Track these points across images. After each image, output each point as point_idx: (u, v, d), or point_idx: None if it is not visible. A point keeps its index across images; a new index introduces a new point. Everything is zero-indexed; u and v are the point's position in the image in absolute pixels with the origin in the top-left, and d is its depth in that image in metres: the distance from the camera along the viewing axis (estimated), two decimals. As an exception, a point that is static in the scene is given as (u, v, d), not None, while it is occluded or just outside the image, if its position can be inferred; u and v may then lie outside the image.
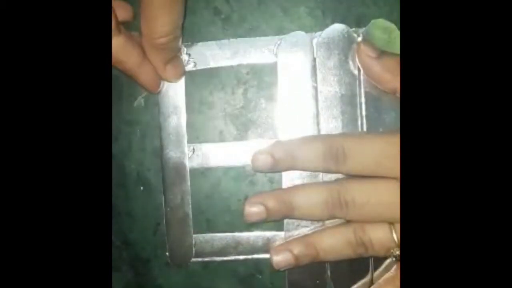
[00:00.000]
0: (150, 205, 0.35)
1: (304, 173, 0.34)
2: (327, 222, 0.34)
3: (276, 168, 0.33)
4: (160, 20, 0.30)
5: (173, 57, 0.33)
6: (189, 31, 0.34)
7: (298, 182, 0.34)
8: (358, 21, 0.34)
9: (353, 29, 0.34)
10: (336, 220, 0.33)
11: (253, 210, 0.33)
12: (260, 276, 0.35)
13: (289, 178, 0.34)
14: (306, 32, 0.34)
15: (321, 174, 0.34)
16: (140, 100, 0.35)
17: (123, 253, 0.35)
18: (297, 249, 0.33)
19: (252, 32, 0.35)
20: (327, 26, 0.34)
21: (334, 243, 0.32)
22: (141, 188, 0.35)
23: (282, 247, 0.33)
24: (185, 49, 0.34)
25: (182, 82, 0.35)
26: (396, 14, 0.34)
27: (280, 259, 0.33)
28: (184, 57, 0.35)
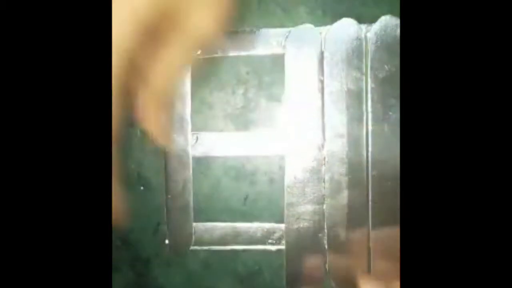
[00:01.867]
0: (150, 205, 0.35)
1: (307, 170, 0.34)
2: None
3: None
4: None
5: None
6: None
7: (300, 175, 0.34)
8: (359, 21, 0.34)
9: (364, 24, 0.34)
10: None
11: None
12: (258, 268, 0.35)
13: (292, 177, 0.34)
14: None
15: (322, 169, 0.34)
16: (140, 100, 0.35)
17: (123, 253, 0.35)
18: None
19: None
20: (328, 19, 0.34)
21: None
22: (141, 188, 0.35)
23: None
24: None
25: (188, 69, 0.34)
26: (396, 14, 0.34)
27: None
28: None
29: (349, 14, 0.34)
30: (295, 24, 0.34)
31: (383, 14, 0.34)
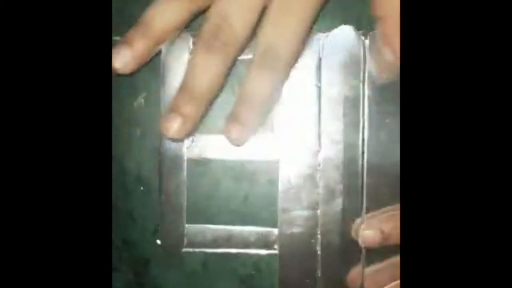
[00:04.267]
0: (150, 205, 0.35)
1: (302, 176, 0.34)
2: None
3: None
4: None
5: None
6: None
7: (294, 181, 0.34)
8: (358, 21, 0.34)
9: (361, 31, 0.34)
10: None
11: (369, 233, 0.33)
12: (255, 272, 0.35)
13: (286, 182, 0.34)
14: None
15: (317, 175, 0.34)
16: (140, 100, 0.35)
17: (123, 253, 0.35)
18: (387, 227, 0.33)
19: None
20: (326, 26, 0.34)
21: None
22: (141, 188, 0.35)
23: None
24: (190, 36, 0.34)
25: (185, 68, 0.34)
26: None
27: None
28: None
29: (349, 15, 0.34)
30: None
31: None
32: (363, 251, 0.34)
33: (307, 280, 0.35)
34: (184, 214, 0.35)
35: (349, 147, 0.34)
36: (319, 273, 0.35)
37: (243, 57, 0.33)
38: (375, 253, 0.34)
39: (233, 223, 0.35)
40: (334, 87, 0.34)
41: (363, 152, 0.34)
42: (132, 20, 0.32)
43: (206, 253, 0.35)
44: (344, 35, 0.33)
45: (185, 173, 0.35)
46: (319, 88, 0.34)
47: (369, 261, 0.34)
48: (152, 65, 0.34)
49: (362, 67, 0.33)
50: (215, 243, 0.35)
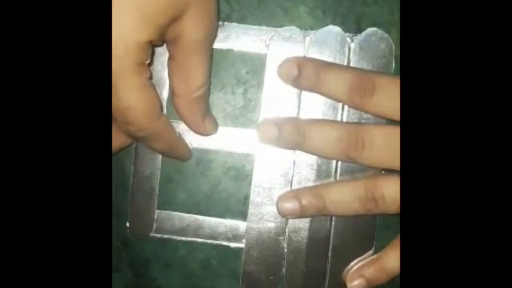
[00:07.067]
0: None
1: (276, 172, 0.34)
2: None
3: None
4: (198, 71, 0.30)
5: (208, 108, 0.33)
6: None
7: (268, 176, 0.34)
8: (358, 21, 0.34)
9: (349, 34, 0.34)
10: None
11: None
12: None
13: (260, 176, 0.34)
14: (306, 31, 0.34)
15: (291, 173, 0.34)
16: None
17: (122, 253, 0.35)
18: (305, 199, 0.33)
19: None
20: (327, 26, 0.34)
21: (344, 196, 0.32)
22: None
23: (291, 194, 0.33)
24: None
25: (167, 55, 0.34)
26: (396, 14, 0.34)
27: (287, 206, 0.33)
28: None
29: (349, 14, 0.34)
30: (295, 24, 0.34)
31: (384, 14, 0.34)
32: (330, 253, 0.34)
33: (271, 277, 0.35)
34: (156, 200, 0.35)
35: (325, 147, 0.34)
36: (284, 271, 0.35)
37: (223, 46, 0.34)
38: (342, 255, 0.34)
39: (203, 213, 0.35)
40: (316, 86, 0.34)
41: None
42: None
43: (209, 249, 0.35)
44: (330, 35, 0.33)
45: (159, 159, 0.35)
46: (301, 86, 0.34)
47: (335, 263, 0.34)
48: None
49: (345, 69, 0.33)
50: (183, 231, 0.35)
